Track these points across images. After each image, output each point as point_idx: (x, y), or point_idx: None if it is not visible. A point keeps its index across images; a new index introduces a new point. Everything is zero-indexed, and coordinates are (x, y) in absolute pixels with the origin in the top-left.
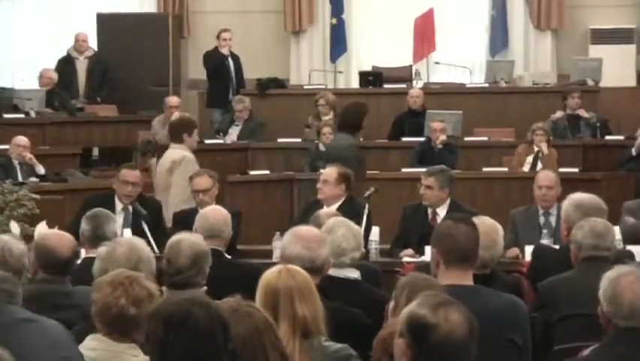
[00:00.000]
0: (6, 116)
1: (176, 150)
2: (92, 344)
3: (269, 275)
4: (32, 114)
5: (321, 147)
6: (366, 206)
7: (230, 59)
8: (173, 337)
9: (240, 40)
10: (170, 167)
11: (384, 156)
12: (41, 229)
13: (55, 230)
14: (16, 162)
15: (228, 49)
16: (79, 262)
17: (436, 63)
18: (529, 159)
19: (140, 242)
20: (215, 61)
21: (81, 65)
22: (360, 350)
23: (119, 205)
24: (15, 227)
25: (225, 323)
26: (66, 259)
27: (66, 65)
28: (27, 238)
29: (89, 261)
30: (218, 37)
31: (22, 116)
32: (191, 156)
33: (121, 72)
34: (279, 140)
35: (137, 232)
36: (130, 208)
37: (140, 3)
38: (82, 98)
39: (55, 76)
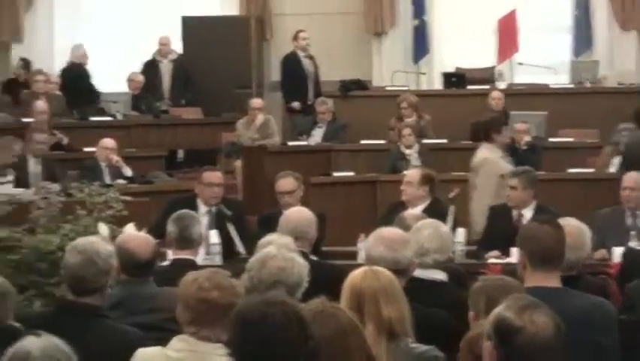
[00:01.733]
0: (93, 119)
1: (482, 151)
2: (179, 345)
3: (354, 277)
4: (119, 117)
5: (402, 149)
6: (452, 207)
7: (308, 60)
8: (248, 336)
9: (321, 42)
10: (476, 168)
11: (467, 157)
12: (129, 230)
13: (135, 232)
14: (103, 165)
15: (306, 50)
16: (166, 263)
17: (520, 64)
18: (615, 160)
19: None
20: (293, 64)
21: (166, 69)
22: (447, 352)
23: (202, 208)
24: (103, 229)
25: (304, 323)
26: (146, 261)
27: (151, 68)
28: (115, 239)
29: (177, 262)
30: (295, 38)
31: (108, 119)
32: (494, 156)
33: (205, 75)
34: (362, 141)
35: (223, 233)
36: (213, 210)
37: (222, 6)
38: (167, 100)
39: (142, 79)
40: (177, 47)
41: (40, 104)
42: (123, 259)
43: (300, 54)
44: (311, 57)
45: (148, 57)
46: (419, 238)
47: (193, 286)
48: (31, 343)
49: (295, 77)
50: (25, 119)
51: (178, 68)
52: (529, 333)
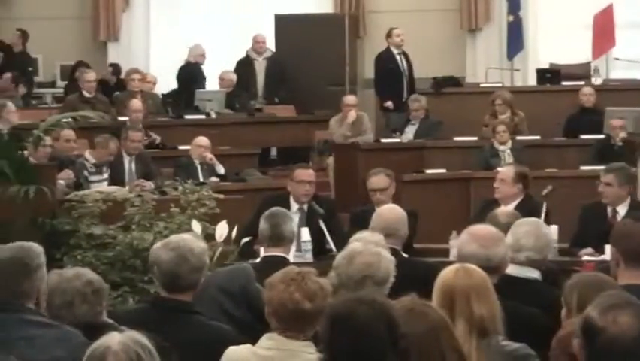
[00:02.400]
0: (187, 117)
1: None
2: (268, 343)
3: (445, 274)
4: (213, 115)
5: (496, 146)
6: (544, 205)
7: (402, 57)
8: (337, 334)
9: (415, 39)
10: None
11: (561, 154)
12: (222, 228)
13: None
14: (197, 162)
15: (400, 47)
16: (258, 260)
17: (616, 59)
18: None
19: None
20: (387, 62)
21: (260, 66)
22: (538, 351)
23: (294, 205)
24: (197, 226)
25: (393, 322)
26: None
27: (245, 66)
28: (208, 236)
29: (268, 259)
30: (389, 35)
31: (202, 117)
32: None
33: (298, 72)
34: (455, 138)
35: (314, 231)
36: (305, 208)
37: (316, 3)
38: (260, 98)
39: (234, 77)
40: (270, 44)
41: (136, 103)
42: None
43: (394, 51)
44: (405, 54)
45: (241, 55)
46: (516, 232)
47: (284, 296)
48: (112, 338)
49: (389, 75)
50: (120, 118)
51: (272, 66)
52: (611, 334)
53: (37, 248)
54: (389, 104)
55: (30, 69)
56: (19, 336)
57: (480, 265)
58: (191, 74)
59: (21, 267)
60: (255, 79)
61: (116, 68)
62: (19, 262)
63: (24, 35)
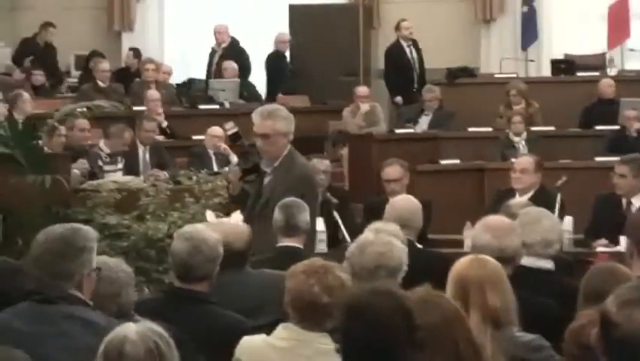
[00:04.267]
0: (201, 107)
1: None
2: (284, 334)
3: (459, 265)
4: (226, 105)
5: (511, 137)
6: (559, 196)
7: (412, 49)
8: (353, 325)
9: (429, 29)
10: None
11: (575, 145)
12: (236, 217)
13: (230, 221)
14: (211, 152)
15: (408, 39)
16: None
17: (631, 50)
18: None
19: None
20: (397, 56)
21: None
22: (552, 341)
23: None
24: (211, 216)
25: (409, 313)
26: (239, 251)
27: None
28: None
29: (283, 250)
30: (397, 28)
31: (216, 107)
32: None
33: (312, 62)
34: (469, 129)
35: (329, 221)
36: (320, 198)
37: None
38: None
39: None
40: (285, 35)
41: (152, 93)
42: None
43: (404, 44)
44: (415, 44)
45: (255, 46)
46: (540, 228)
47: (303, 287)
48: (128, 328)
49: (400, 68)
50: (135, 108)
51: (271, 59)
52: (625, 330)
53: (87, 232)
54: (398, 99)
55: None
56: (57, 332)
57: (494, 255)
58: (277, 62)
59: (65, 247)
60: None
61: (136, 53)
62: (64, 240)
63: (47, 27)
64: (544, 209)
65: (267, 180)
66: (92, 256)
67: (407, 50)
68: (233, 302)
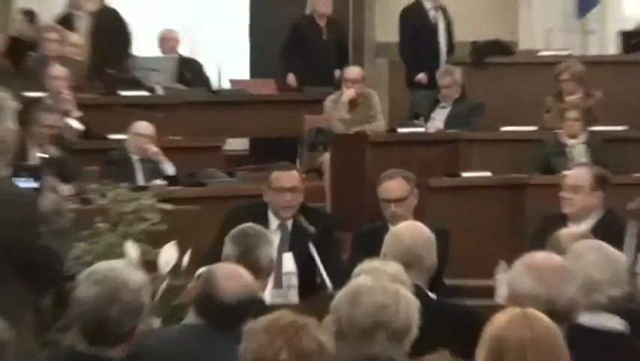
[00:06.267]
0: (123, 93)
1: None
2: None
3: (495, 324)
4: (159, 91)
5: (563, 139)
6: (632, 224)
7: (439, 14)
8: None
9: None
10: None
11: None
12: (169, 252)
13: (231, 264)
14: (135, 158)
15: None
16: None
17: None
18: None
19: None
20: (416, 19)
21: None
22: None
23: (273, 222)
24: (132, 249)
25: None
26: (225, 305)
27: None
28: (148, 264)
29: None
30: None
31: (145, 94)
32: None
33: (279, 37)
34: (503, 128)
35: (302, 258)
36: (289, 225)
37: None
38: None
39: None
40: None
41: (56, 69)
42: (200, 297)
43: (427, 5)
44: (443, 9)
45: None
46: (582, 266)
47: (266, 353)
48: None
49: (420, 37)
50: (28, 94)
51: None
52: None
53: None
54: (421, 77)
55: None
56: None
57: (541, 309)
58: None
59: None
60: None
61: (29, 14)
62: None
63: None
64: (599, 241)
65: None
66: None
67: (431, 15)
68: None
